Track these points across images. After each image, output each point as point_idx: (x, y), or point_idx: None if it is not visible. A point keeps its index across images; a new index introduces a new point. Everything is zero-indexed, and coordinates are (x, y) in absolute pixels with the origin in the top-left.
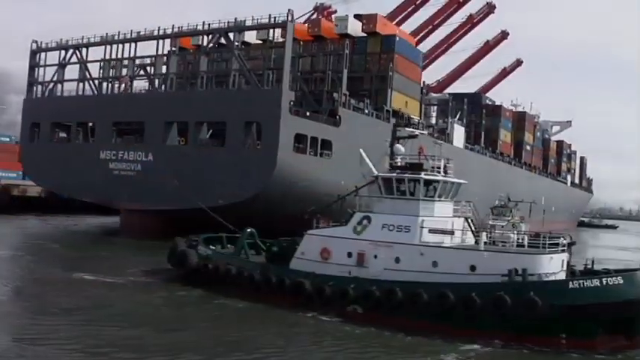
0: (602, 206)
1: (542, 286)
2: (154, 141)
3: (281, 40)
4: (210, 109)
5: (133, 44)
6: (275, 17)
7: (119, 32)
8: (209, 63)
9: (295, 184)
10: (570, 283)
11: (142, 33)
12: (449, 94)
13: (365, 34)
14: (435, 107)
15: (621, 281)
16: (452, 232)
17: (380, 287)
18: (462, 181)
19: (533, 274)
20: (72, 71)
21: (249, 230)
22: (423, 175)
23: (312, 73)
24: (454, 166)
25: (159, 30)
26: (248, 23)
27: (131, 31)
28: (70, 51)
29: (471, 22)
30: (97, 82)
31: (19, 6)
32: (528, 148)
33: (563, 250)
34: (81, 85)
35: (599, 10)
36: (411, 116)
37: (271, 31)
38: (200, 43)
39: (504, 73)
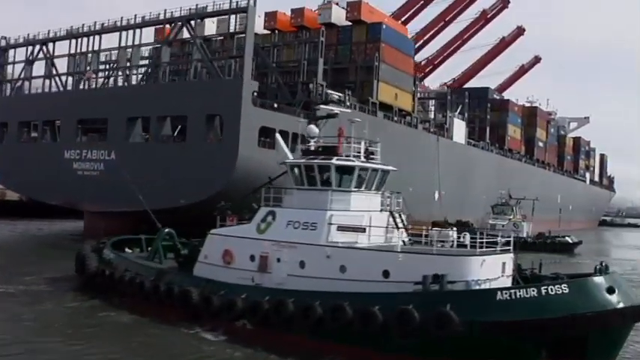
0: (630, 205)
1: (461, 298)
2: (116, 139)
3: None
4: (171, 103)
5: (98, 37)
6: (237, 2)
7: (83, 25)
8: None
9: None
10: (498, 293)
11: (105, 25)
12: (447, 86)
13: (350, 23)
14: (434, 101)
15: (566, 290)
16: (363, 230)
17: (271, 298)
18: (389, 167)
19: (458, 280)
20: (41, 67)
21: (166, 230)
22: (334, 161)
23: (288, 63)
24: (456, 161)
25: (121, 21)
26: (210, 9)
27: (95, 23)
28: (38, 47)
29: (485, 18)
30: (63, 78)
31: None
32: (541, 144)
33: (505, 251)
34: (49, 81)
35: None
36: (403, 109)
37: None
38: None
39: (522, 71)
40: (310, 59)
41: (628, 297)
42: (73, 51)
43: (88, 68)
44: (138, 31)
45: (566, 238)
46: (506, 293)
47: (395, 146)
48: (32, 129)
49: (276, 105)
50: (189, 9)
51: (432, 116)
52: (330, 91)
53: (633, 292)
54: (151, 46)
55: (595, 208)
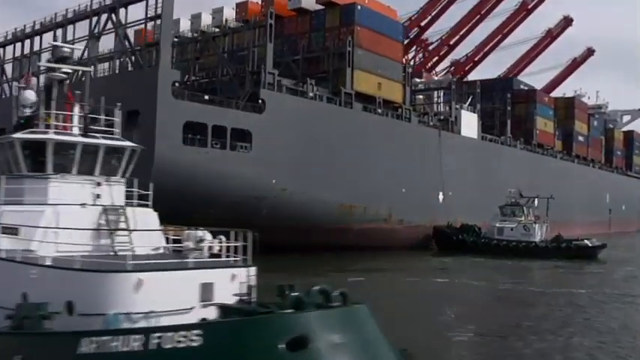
0: None
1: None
2: None
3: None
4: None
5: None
6: None
7: (25, 26)
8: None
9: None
10: (83, 342)
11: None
12: (452, 75)
13: (322, 7)
14: (441, 93)
15: (197, 342)
16: (14, 232)
17: None
18: (127, 143)
19: (94, 313)
20: None
21: None
22: (19, 135)
23: (238, 52)
24: (468, 158)
25: (55, 17)
26: None
27: (34, 22)
28: None
29: (525, 9)
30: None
31: None
32: (581, 138)
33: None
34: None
35: None
36: (391, 100)
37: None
38: None
39: (575, 65)
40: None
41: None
42: (18, 54)
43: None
44: (71, 26)
45: (585, 241)
46: (95, 343)
47: (378, 142)
48: None
49: (207, 97)
50: None
51: (440, 109)
52: (287, 80)
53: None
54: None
55: None
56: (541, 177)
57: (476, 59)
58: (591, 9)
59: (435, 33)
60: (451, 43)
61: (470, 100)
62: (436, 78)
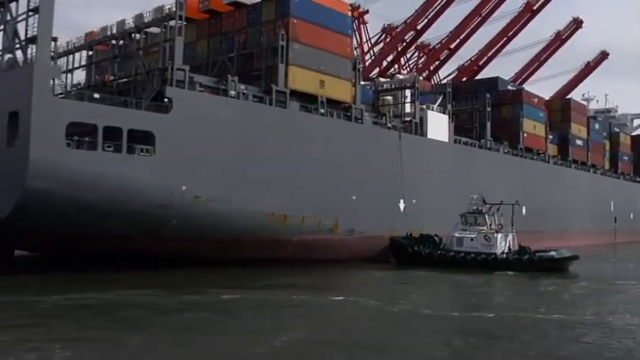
0: None
1: None
2: None
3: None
4: None
5: None
6: None
7: None
8: None
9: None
10: None
11: None
12: (418, 74)
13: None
14: (407, 93)
15: None
16: None
17: None
18: None
19: None
20: None
21: None
22: None
23: (150, 48)
24: (438, 163)
25: None
26: None
27: None
28: None
29: (530, 10)
30: None
31: None
32: (579, 142)
33: None
34: None
35: None
36: (337, 100)
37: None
38: None
39: (588, 69)
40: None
41: None
42: None
43: None
44: None
45: (551, 252)
46: None
47: (320, 145)
48: None
49: (97, 95)
50: None
51: (408, 109)
52: (206, 78)
53: None
54: None
55: None
56: (529, 183)
57: (480, 63)
58: (601, 10)
59: (437, 37)
60: (452, 46)
61: (440, 100)
62: (401, 77)
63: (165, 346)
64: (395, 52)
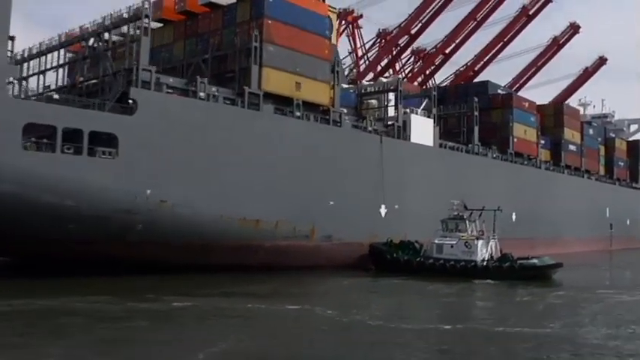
0: None
1: None
2: None
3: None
4: None
5: None
6: None
7: None
8: None
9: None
10: None
11: None
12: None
13: (234, 0)
14: (391, 95)
15: None
16: None
17: None
18: None
19: None
20: None
21: None
22: None
23: (118, 49)
24: (423, 168)
25: None
26: None
27: None
28: None
29: (526, 15)
30: None
31: None
32: (572, 148)
33: None
34: None
35: None
36: (315, 103)
37: None
38: None
39: (587, 75)
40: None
41: None
42: None
43: None
44: None
45: (533, 260)
46: None
47: (295, 148)
48: None
49: (56, 96)
50: None
51: (391, 113)
52: (175, 80)
53: None
54: None
55: None
56: (520, 188)
57: (476, 68)
58: (599, 16)
59: (433, 42)
60: (447, 51)
61: (424, 104)
62: (384, 80)
63: (87, 356)
64: (389, 56)
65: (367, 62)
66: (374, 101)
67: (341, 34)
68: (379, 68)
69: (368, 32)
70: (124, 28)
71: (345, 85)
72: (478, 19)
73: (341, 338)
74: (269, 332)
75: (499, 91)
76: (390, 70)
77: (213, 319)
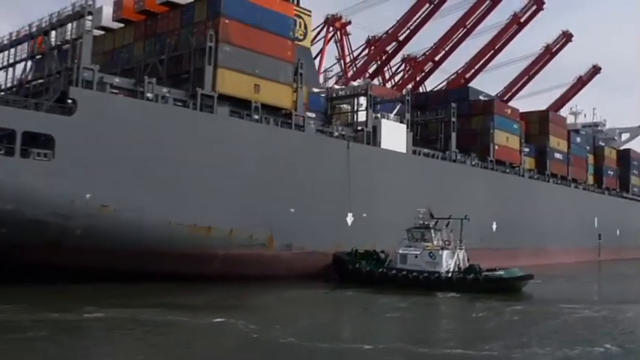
0: None
1: None
2: None
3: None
4: None
5: None
6: None
7: None
8: None
9: None
10: None
11: None
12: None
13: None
14: (363, 99)
15: None
16: None
17: None
18: None
19: None
20: None
21: None
22: None
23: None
24: (396, 175)
25: None
26: None
27: None
28: None
29: (517, 22)
30: None
31: None
32: (558, 156)
33: None
34: None
35: None
36: (276, 106)
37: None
38: None
39: (580, 84)
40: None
41: None
42: None
43: None
44: None
45: (499, 272)
46: None
47: (252, 153)
48: None
49: None
50: None
51: (362, 118)
52: (123, 80)
53: None
54: None
55: None
56: (501, 197)
57: (467, 76)
58: (591, 26)
59: (423, 49)
60: (437, 58)
61: (397, 108)
62: (355, 84)
63: None
64: (378, 61)
65: (355, 69)
66: (346, 106)
67: (329, 40)
68: (367, 75)
69: (360, 39)
70: (69, 27)
71: (316, 90)
72: (468, 27)
73: (241, 356)
74: (169, 347)
75: (481, 98)
76: (380, 78)
77: (122, 331)
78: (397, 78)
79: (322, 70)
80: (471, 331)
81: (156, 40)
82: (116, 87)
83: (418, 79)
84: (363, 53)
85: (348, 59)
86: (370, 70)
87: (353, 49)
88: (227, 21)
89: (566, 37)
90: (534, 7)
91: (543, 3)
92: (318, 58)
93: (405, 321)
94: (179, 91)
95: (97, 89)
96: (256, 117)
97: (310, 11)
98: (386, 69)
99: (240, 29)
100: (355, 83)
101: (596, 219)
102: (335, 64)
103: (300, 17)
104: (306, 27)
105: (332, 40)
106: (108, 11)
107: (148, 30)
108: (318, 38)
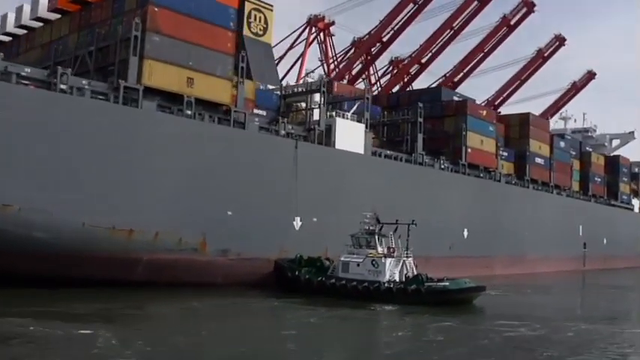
0: None
1: None
2: None
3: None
4: None
5: None
6: None
7: None
8: None
9: None
10: None
11: None
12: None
13: None
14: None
15: None
16: None
17: None
18: None
19: None
20: None
21: None
22: None
23: None
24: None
25: None
26: None
27: None
28: None
29: (507, 25)
30: None
31: None
32: (540, 161)
33: None
34: None
35: None
36: (213, 101)
37: None
38: None
39: (574, 89)
40: None
41: None
42: None
43: None
44: None
45: (443, 283)
46: None
47: (183, 151)
48: None
49: None
50: None
51: (316, 116)
52: (21, 68)
53: None
54: None
55: None
56: (472, 202)
57: (455, 80)
58: (584, 29)
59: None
60: (423, 61)
61: (355, 107)
62: (310, 80)
63: None
64: (362, 61)
65: (337, 70)
66: (304, 104)
67: (312, 41)
68: (350, 77)
69: (346, 41)
70: None
71: (271, 87)
72: (455, 28)
73: None
74: None
75: (454, 98)
76: (366, 80)
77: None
78: (383, 81)
79: (304, 71)
80: (377, 355)
81: (88, 31)
82: (26, 77)
83: (405, 81)
84: (348, 54)
85: (331, 60)
86: (354, 72)
87: (338, 51)
88: (156, 9)
89: (559, 41)
90: (524, 10)
91: (534, 5)
92: (300, 60)
93: (292, 340)
94: (100, 84)
95: (1, 79)
96: (189, 112)
97: (272, 5)
98: (373, 72)
99: (171, 18)
100: (309, 79)
101: (581, 227)
102: (319, 66)
103: (260, 11)
104: (266, 22)
105: (315, 42)
106: (44, 2)
107: (82, 20)
108: (300, 39)
